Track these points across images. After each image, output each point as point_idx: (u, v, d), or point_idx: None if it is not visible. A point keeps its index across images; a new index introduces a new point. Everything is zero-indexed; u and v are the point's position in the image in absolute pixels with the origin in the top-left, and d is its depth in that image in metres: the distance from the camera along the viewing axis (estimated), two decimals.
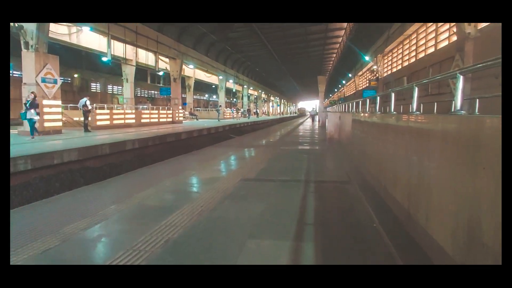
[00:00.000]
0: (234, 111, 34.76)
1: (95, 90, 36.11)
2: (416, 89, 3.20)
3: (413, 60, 19.55)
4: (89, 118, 13.18)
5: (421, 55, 17.50)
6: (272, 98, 67.98)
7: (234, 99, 63.92)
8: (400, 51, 23.02)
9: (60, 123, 11.74)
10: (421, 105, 8.47)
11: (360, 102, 7.95)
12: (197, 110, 37.80)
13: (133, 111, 18.01)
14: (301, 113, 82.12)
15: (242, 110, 40.39)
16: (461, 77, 2.35)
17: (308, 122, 31.08)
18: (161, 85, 26.22)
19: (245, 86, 42.14)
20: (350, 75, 43.26)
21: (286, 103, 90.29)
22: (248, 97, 48.61)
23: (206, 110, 38.88)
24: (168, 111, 21.45)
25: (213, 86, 48.31)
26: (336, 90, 66.86)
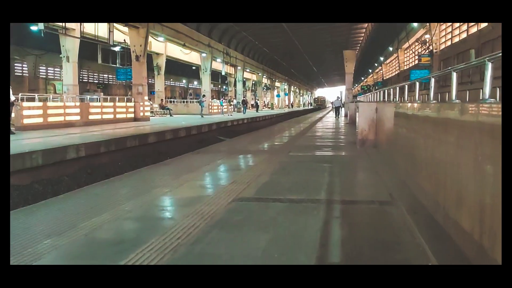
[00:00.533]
0: (224, 103, 34.83)
1: (20, 74, 36.17)
2: (490, 65, 3.19)
3: (484, 24, 19.61)
4: (13, 114, 13.18)
5: None
6: (277, 84, 68.24)
7: (224, 87, 64.22)
8: None
9: None
10: (498, 89, 8.44)
11: (406, 87, 7.95)
12: (170, 102, 37.90)
13: (78, 103, 18.04)
14: (320, 104, 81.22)
15: (235, 101, 40.52)
16: None
17: (329, 117, 31.16)
18: (118, 65, 26.24)
19: (239, 68, 42.32)
20: (391, 48, 43.46)
21: (298, 90, 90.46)
22: (244, 83, 48.78)
23: (183, 101, 38.98)
24: (129, 104, 21.50)
25: (194, 68, 48.47)
26: (370, 71, 67.24)
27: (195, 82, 66.87)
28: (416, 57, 33.35)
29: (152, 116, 25.15)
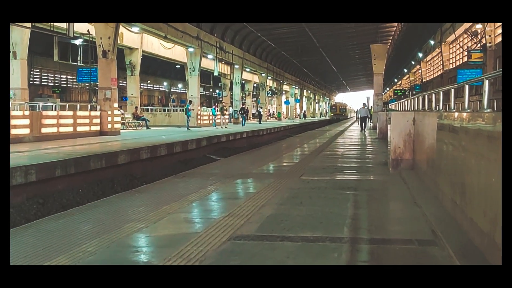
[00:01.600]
0: (216, 112, 34.96)
1: None
2: None
3: None
4: None
5: None
6: (286, 87, 68.56)
7: (217, 91, 64.43)
8: None
9: None
10: None
11: (452, 91, 7.97)
12: (147, 110, 38.04)
13: (27, 112, 18.10)
14: (339, 114, 78.22)
15: (231, 110, 40.67)
16: None
17: (353, 131, 31.22)
18: (79, 64, 26.40)
19: (236, 66, 42.59)
20: (432, 42, 43.74)
21: (312, 96, 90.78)
22: (243, 85, 49.01)
23: (164, 110, 39.17)
24: (94, 113, 21.57)
25: (178, 67, 48.83)
26: (405, 70, 67.55)
27: (180, 85, 67.31)
28: (465, 53, 33.53)
29: (123, 129, 25.21)
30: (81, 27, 23.09)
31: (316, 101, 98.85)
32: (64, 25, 20.40)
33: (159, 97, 66.33)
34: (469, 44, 33.94)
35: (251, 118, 49.64)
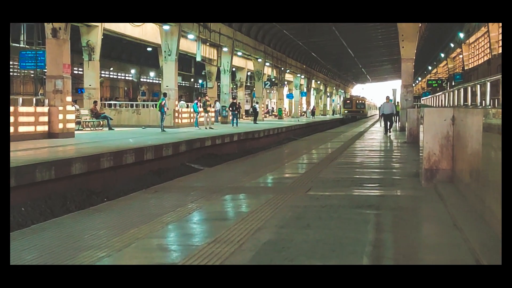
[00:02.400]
0: (199, 108, 34.91)
1: None
2: None
3: None
4: None
5: None
6: (289, 76, 68.59)
7: (200, 81, 64.29)
8: None
9: None
10: None
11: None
12: (110, 106, 37.92)
13: None
14: (355, 112, 76.67)
15: (218, 105, 40.63)
16: None
17: (375, 132, 31.24)
18: (22, 45, 26.34)
19: (225, 49, 42.55)
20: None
21: (323, 88, 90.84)
22: (233, 74, 48.91)
23: (132, 106, 39.10)
24: (40, 109, 21.50)
25: (150, 50, 48.82)
26: (442, 55, 67.76)
27: (152, 74, 67.31)
28: None
29: (79, 129, 25.15)
30: None
31: (328, 94, 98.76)
32: None
33: (125, 88, 66.27)
34: None
35: (244, 116, 49.70)
